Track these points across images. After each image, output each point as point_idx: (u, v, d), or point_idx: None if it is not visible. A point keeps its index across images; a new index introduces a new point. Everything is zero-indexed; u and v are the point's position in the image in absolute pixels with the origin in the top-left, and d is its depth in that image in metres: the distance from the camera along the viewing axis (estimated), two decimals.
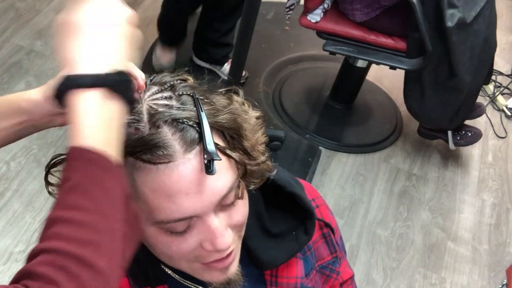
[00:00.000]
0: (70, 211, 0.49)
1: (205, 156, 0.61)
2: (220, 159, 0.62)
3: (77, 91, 0.53)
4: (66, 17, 0.56)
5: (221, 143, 0.65)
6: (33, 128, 0.66)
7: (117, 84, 0.54)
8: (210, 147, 0.61)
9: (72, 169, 0.51)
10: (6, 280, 1.78)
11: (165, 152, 0.61)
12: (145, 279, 0.74)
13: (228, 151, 0.65)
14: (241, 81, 2.71)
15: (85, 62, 0.54)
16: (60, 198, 0.50)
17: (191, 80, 0.71)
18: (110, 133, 0.54)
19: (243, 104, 0.72)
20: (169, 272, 0.76)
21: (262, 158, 0.71)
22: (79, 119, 0.52)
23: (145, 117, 0.63)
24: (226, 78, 2.40)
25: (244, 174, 0.68)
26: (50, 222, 0.50)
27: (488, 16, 2.00)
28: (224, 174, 0.64)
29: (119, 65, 0.55)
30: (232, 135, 0.67)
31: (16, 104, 0.64)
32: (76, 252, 0.47)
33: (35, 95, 0.63)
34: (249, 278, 0.82)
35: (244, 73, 2.71)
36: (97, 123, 0.53)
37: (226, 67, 2.58)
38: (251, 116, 0.71)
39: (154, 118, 0.62)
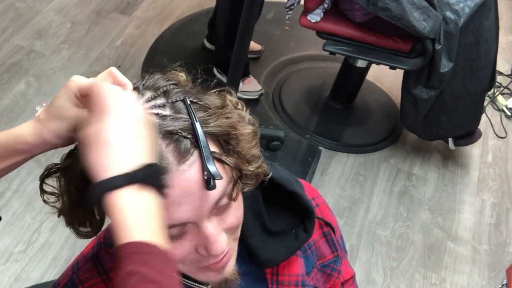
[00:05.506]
0: None
1: (205, 173, 0.61)
2: (222, 178, 0.62)
3: (112, 193, 0.55)
4: (90, 130, 0.57)
5: (216, 149, 0.65)
6: (30, 158, 0.69)
7: (147, 177, 0.56)
8: (213, 169, 0.61)
9: (135, 262, 0.53)
10: (6, 280, 1.79)
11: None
12: None
13: (224, 158, 0.64)
14: (256, 56, 2.77)
15: (113, 165, 0.55)
16: None
17: (184, 77, 0.71)
18: (152, 222, 0.56)
19: (237, 104, 0.71)
20: None
21: (258, 162, 0.71)
22: (121, 216, 0.54)
23: None
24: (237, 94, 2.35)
25: (239, 177, 0.67)
26: None
27: (478, 26, 2.02)
28: (219, 181, 0.64)
29: (145, 159, 0.57)
30: (227, 140, 0.66)
31: (14, 148, 0.66)
32: None
33: (31, 137, 0.65)
34: (250, 277, 0.82)
35: (261, 47, 2.78)
36: (139, 216, 0.55)
37: (240, 83, 2.48)
38: (245, 118, 0.70)
39: None
